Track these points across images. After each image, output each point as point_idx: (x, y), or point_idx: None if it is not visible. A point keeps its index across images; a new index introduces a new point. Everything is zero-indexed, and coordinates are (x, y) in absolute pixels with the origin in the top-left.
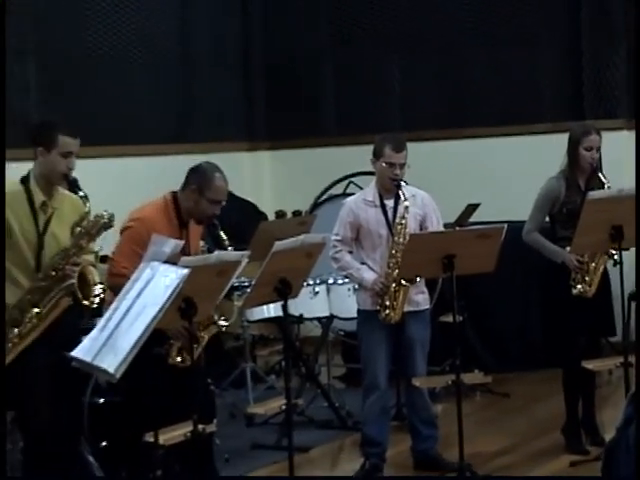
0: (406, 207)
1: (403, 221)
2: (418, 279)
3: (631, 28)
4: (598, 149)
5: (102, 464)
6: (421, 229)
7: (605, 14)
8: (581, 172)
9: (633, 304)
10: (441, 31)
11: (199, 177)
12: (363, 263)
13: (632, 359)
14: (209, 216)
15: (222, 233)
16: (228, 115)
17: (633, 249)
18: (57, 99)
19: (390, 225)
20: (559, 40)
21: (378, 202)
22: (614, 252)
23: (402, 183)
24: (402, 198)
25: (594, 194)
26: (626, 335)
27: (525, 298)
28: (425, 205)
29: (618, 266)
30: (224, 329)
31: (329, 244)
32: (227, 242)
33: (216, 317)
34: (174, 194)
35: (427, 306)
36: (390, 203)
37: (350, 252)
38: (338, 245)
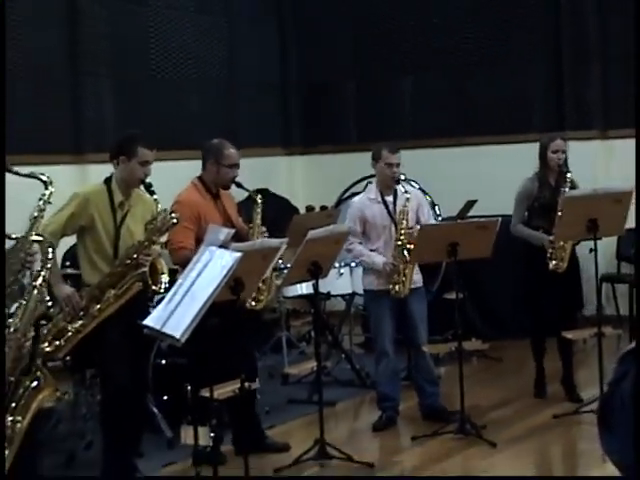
0: (407, 199)
1: (405, 209)
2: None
3: (603, 51)
4: (563, 152)
5: (164, 414)
6: (416, 219)
7: (582, 41)
8: (551, 172)
9: (604, 284)
10: (446, 55)
11: (213, 151)
12: (370, 250)
13: (605, 330)
14: (231, 179)
15: None
16: (268, 126)
17: (605, 238)
18: (126, 114)
19: (392, 217)
20: (545, 64)
21: (380, 199)
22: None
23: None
24: (402, 191)
25: (573, 193)
26: (599, 309)
27: (514, 278)
28: (418, 198)
29: (593, 253)
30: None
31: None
32: None
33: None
34: (199, 177)
35: (421, 284)
36: (390, 199)
37: (360, 243)
38: (350, 238)
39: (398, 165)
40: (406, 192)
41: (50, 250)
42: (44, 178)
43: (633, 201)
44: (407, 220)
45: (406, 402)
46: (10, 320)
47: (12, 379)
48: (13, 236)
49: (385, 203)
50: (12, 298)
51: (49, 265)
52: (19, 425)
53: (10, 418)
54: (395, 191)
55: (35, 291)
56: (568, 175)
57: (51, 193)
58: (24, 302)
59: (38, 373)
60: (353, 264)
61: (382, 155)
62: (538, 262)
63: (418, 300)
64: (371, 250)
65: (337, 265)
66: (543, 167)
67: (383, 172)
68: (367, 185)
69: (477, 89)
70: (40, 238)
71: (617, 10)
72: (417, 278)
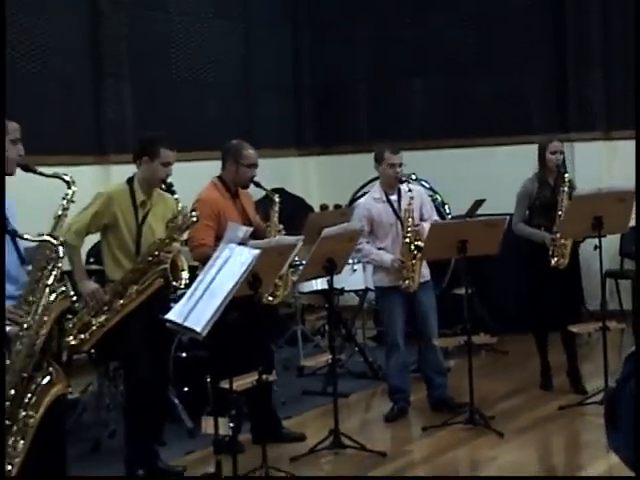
0: (411, 197)
1: (410, 207)
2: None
3: (606, 53)
4: (561, 153)
5: (185, 405)
6: (420, 215)
7: (585, 46)
8: (550, 172)
9: (608, 280)
10: (455, 58)
11: (232, 151)
12: (379, 248)
13: (609, 324)
14: (249, 179)
15: None
16: (282, 128)
17: (609, 236)
18: (146, 116)
19: (397, 215)
20: (549, 67)
21: (385, 198)
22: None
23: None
24: (406, 190)
25: (580, 192)
26: (603, 304)
27: (519, 274)
28: (421, 195)
29: (598, 250)
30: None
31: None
32: None
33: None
34: (218, 176)
35: (429, 277)
36: (394, 197)
37: (367, 242)
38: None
39: (400, 165)
40: (409, 191)
41: (61, 249)
42: (67, 178)
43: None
44: (413, 218)
45: (416, 394)
46: (23, 318)
47: (25, 375)
48: (25, 236)
49: (390, 202)
50: (32, 292)
51: (59, 264)
52: (32, 420)
53: (23, 413)
54: (399, 190)
55: (47, 289)
56: (566, 175)
57: (74, 192)
58: (35, 300)
59: (50, 369)
60: (364, 262)
61: (384, 156)
62: (539, 259)
63: (427, 294)
64: (379, 248)
65: (351, 262)
66: (542, 168)
67: (386, 173)
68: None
69: (484, 92)
70: (49, 238)
71: (619, 11)
72: (425, 272)
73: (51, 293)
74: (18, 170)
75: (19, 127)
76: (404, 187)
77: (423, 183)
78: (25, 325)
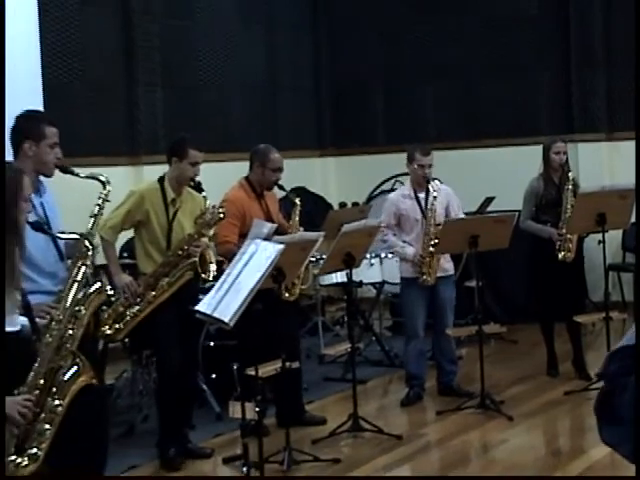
0: (434, 197)
1: (432, 207)
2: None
3: (608, 59)
4: (565, 153)
5: (213, 391)
6: (446, 214)
7: (588, 52)
8: (554, 171)
9: (611, 273)
10: (464, 65)
11: (260, 155)
12: (404, 241)
13: (612, 314)
14: (274, 182)
15: None
16: (303, 130)
17: (611, 231)
18: (176, 119)
19: (423, 212)
20: (555, 71)
21: (413, 195)
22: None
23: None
24: (431, 191)
25: (584, 190)
26: (606, 296)
27: (528, 268)
28: (448, 195)
29: (601, 244)
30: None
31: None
32: None
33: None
34: (246, 177)
35: (452, 272)
36: (422, 196)
37: (394, 234)
38: (385, 230)
39: (430, 166)
40: (435, 191)
41: (89, 246)
42: (102, 178)
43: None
44: (434, 217)
45: (430, 381)
46: (53, 311)
47: (53, 365)
48: (58, 234)
49: (417, 199)
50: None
51: (88, 262)
52: (59, 408)
53: (51, 401)
54: (427, 189)
55: (75, 285)
56: (570, 174)
57: (109, 192)
58: (64, 295)
59: (77, 360)
60: (383, 255)
61: (415, 157)
62: (546, 254)
63: (448, 287)
64: (404, 241)
65: (368, 256)
66: (547, 167)
67: (416, 172)
68: (395, 183)
69: (492, 95)
70: (76, 236)
71: (620, 19)
72: (448, 266)
73: (79, 289)
74: (56, 172)
75: (57, 132)
76: (432, 186)
77: (436, 181)
78: (56, 318)
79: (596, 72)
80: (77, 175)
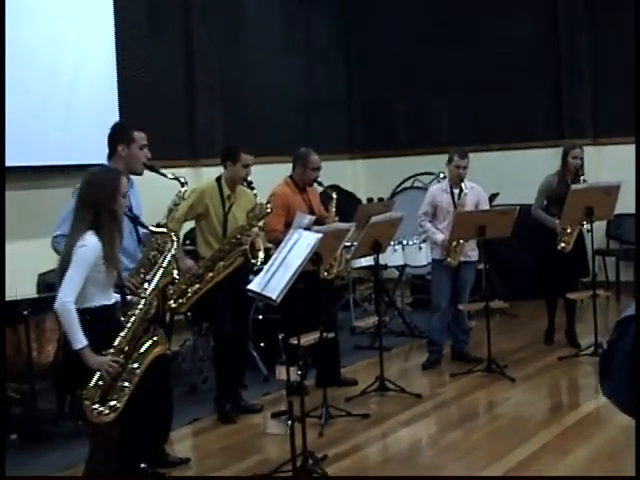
0: (465, 194)
1: (462, 201)
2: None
3: (592, 79)
4: (581, 158)
5: (261, 357)
6: (476, 208)
7: (576, 69)
8: (569, 172)
9: (597, 257)
10: (472, 82)
11: (301, 157)
12: (437, 228)
13: (598, 292)
14: (314, 179)
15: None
16: (336, 136)
17: (598, 222)
18: (230, 127)
19: (455, 205)
20: (549, 87)
21: (449, 190)
22: (585, 224)
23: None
24: (464, 188)
25: (575, 186)
26: (594, 277)
27: (528, 252)
28: (479, 193)
29: (590, 233)
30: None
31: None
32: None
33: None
34: (290, 176)
35: (476, 259)
36: (456, 191)
37: (430, 221)
38: (422, 217)
39: (465, 167)
40: (465, 189)
41: (175, 239)
42: (182, 180)
43: (620, 192)
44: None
45: (446, 348)
46: (140, 289)
47: (136, 335)
48: (155, 230)
49: (452, 194)
50: (145, 267)
51: (173, 252)
52: (138, 370)
53: (131, 364)
54: (461, 187)
55: (161, 271)
56: (582, 177)
57: (185, 191)
58: (151, 278)
59: (156, 332)
60: (405, 242)
61: (454, 159)
62: (551, 241)
63: (469, 271)
64: (437, 228)
65: (392, 243)
66: (564, 167)
67: (453, 171)
68: (414, 181)
69: (496, 107)
70: (164, 230)
71: (605, 42)
72: (472, 254)
73: (164, 275)
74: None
75: (145, 136)
76: (465, 185)
77: (470, 182)
78: (143, 296)
79: (583, 88)
80: (163, 175)
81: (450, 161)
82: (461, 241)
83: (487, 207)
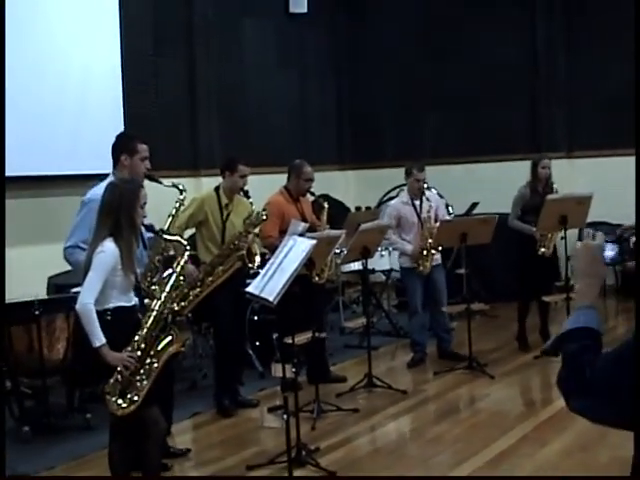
0: (430, 205)
1: (428, 214)
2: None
3: (567, 99)
4: (549, 168)
5: (257, 355)
6: (435, 215)
7: (552, 91)
8: (539, 182)
9: (570, 262)
10: (457, 99)
11: (295, 168)
12: (403, 239)
13: (572, 295)
14: (307, 189)
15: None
16: (327, 149)
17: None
18: (228, 141)
19: (419, 216)
20: (527, 104)
21: (410, 202)
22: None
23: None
24: (426, 200)
25: (551, 196)
26: (567, 280)
27: (506, 257)
28: (437, 201)
29: (563, 240)
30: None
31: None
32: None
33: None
34: (285, 186)
35: (440, 261)
36: (417, 202)
37: (394, 234)
38: (388, 230)
39: (424, 180)
40: (429, 200)
41: (187, 247)
42: (181, 187)
43: (591, 203)
44: (431, 222)
45: (430, 347)
46: (153, 289)
47: (154, 334)
48: (168, 238)
49: (414, 206)
50: (151, 270)
51: (186, 257)
52: (155, 366)
53: (149, 360)
54: (421, 198)
55: (174, 275)
56: (554, 185)
57: (185, 198)
58: (165, 281)
59: (172, 331)
60: (391, 249)
61: (412, 172)
62: (528, 247)
63: (439, 273)
64: (404, 239)
65: (380, 249)
66: (534, 178)
67: (413, 185)
68: (399, 191)
69: (478, 123)
70: (177, 238)
71: (579, 64)
72: (438, 257)
73: (177, 279)
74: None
75: (147, 148)
76: (426, 196)
77: (433, 190)
78: (158, 298)
79: (559, 104)
80: (161, 183)
81: (409, 175)
82: (432, 250)
83: (445, 212)
